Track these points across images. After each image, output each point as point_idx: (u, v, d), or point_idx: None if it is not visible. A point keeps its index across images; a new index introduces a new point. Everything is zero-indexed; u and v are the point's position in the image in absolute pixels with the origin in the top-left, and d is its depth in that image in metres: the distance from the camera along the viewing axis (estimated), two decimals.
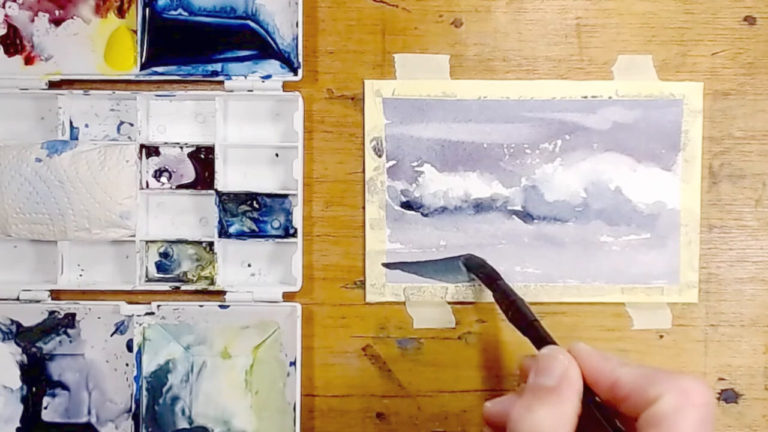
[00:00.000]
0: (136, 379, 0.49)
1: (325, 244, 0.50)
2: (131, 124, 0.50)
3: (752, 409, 0.50)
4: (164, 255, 0.50)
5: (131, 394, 0.49)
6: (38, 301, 0.49)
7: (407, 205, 0.50)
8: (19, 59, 0.49)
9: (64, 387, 0.50)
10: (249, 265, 0.50)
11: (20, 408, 0.50)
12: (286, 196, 0.50)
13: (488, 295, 0.48)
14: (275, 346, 0.49)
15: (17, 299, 0.49)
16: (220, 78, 0.49)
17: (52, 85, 0.49)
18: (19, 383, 0.50)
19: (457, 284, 0.50)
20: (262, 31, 0.49)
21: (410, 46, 0.50)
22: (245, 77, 0.49)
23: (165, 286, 0.49)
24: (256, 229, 0.50)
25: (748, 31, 0.50)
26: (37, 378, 0.50)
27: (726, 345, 0.50)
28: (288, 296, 0.49)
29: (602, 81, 0.50)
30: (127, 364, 0.49)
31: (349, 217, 0.50)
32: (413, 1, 0.50)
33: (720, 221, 0.50)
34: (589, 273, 0.50)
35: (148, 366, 0.49)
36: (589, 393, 0.35)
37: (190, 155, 0.50)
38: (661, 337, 0.50)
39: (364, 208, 0.50)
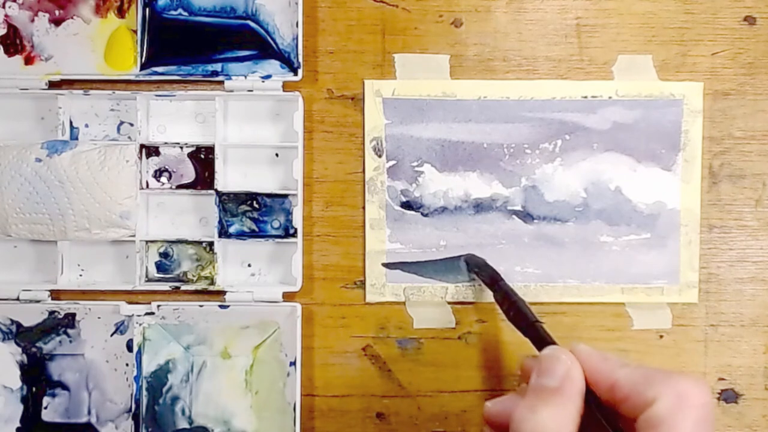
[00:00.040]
0: (136, 379, 0.49)
1: (325, 244, 0.50)
2: (131, 124, 0.50)
3: (752, 409, 0.50)
4: (164, 255, 0.50)
5: (131, 394, 0.49)
6: (38, 301, 0.49)
7: (407, 205, 0.50)
8: (19, 59, 0.49)
9: (64, 387, 0.50)
10: (249, 265, 0.50)
11: (20, 408, 0.50)
12: (286, 196, 0.50)
13: (488, 295, 0.48)
14: (275, 346, 0.49)
15: (17, 299, 0.49)
16: (220, 78, 0.49)
17: (52, 85, 0.49)
18: (19, 383, 0.50)
19: (457, 284, 0.50)
20: (262, 31, 0.49)
21: (410, 46, 0.50)
22: (245, 77, 0.49)
23: (165, 286, 0.49)
24: (256, 229, 0.50)
25: (748, 31, 0.50)
26: (37, 378, 0.50)
27: (726, 345, 0.50)
28: (288, 296, 0.49)
29: (602, 81, 0.50)
30: (127, 364, 0.49)
31: (349, 217, 0.50)
32: (413, 1, 0.50)
33: (720, 221, 0.50)
34: (589, 273, 0.50)
35: (148, 366, 0.49)
36: (590, 394, 0.35)
37: (190, 155, 0.50)
38: (661, 337, 0.50)
39: (364, 208, 0.50)
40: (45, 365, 0.50)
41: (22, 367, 0.50)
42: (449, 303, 0.50)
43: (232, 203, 0.50)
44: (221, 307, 0.49)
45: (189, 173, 0.50)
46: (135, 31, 0.49)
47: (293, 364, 0.48)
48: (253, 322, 0.49)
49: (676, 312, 0.50)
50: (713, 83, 0.50)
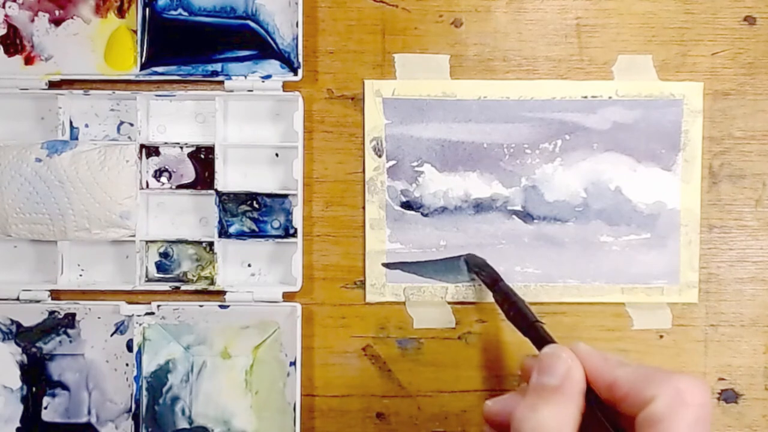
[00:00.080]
0: (136, 379, 0.49)
1: (325, 244, 0.50)
2: (131, 124, 0.50)
3: (752, 409, 0.50)
4: (164, 255, 0.50)
5: (131, 394, 0.49)
6: (38, 301, 0.49)
7: (407, 205, 0.50)
8: (19, 59, 0.49)
9: (64, 387, 0.50)
10: (249, 265, 0.50)
11: (20, 408, 0.50)
12: (286, 196, 0.50)
13: (488, 295, 0.48)
14: (275, 346, 0.49)
15: (17, 299, 0.49)
16: (220, 78, 0.49)
17: (52, 85, 0.49)
18: (19, 383, 0.50)
19: (457, 284, 0.50)
20: (262, 31, 0.49)
21: (410, 46, 0.50)
22: (245, 77, 0.49)
23: (165, 286, 0.49)
24: (256, 229, 0.50)
25: (748, 31, 0.50)
26: (37, 378, 0.50)
27: (726, 345, 0.50)
28: (288, 296, 0.49)
29: (602, 81, 0.50)
30: (127, 364, 0.49)
31: (349, 217, 0.50)
32: (413, 1, 0.50)
33: (720, 221, 0.50)
34: (589, 273, 0.50)
35: (148, 366, 0.49)
36: (590, 392, 0.35)
37: (190, 155, 0.50)
38: (661, 337, 0.50)
39: (364, 208, 0.50)
40: (45, 365, 0.50)
41: (22, 367, 0.50)
42: (449, 303, 0.50)
43: (232, 203, 0.50)
44: (221, 307, 0.49)
45: (189, 173, 0.50)
46: (135, 31, 0.49)
47: (293, 364, 0.48)
48: (253, 322, 0.49)
49: (676, 312, 0.50)
50: (713, 83, 0.50)
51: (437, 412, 0.50)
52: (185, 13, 0.49)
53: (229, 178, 0.50)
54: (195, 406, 0.49)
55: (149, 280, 0.50)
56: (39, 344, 0.50)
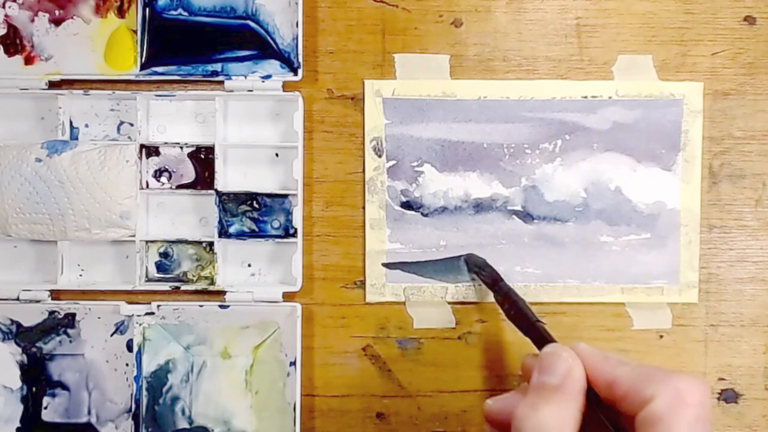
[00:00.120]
0: (136, 379, 0.49)
1: (325, 244, 0.50)
2: (131, 124, 0.50)
3: (752, 409, 0.50)
4: (164, 255, 0.50)
5: (131, 394, 0.49)
6: (38, 301, 0.49)
7: (407, 205, 0.50)
8: (19, 59, 0.49)
9: (64, 387, 0.50)
10: (249, 265, 0.50)
11: (20, 408, 0.50)
12: (286, 196, 0.50)
13: (488, 295, 0.48)
14: (275, 346, 0.49)
15: (17, 299, 0.49)
16: (220, 78, 0.49)
17: (52, 85, 0.49)
18: (19, 383, 0.50)
19: (457, 284, 0.50)
20: (262, 31, 0.49)
21: (410, 46, 0.50)
22: (245, 77, 0.49)
23: (165, 286, 0.49)
24: (256, 229, 0.50)
25: (748, 31, 0.50)
26: (37, 378, 0.50)
27: (726, 345, 0.50)
28: (288, 296, 0.49)
29: (602, 81, 0.50)
30: (127, 364, 0.49)
31: (349, 217, 0.50)
32: (413, 1, 0.50)
33: (720, 221, 0.50)
34: (589, 273, 0.50)
35: (148, 366, 0.49)
36: (591, 392, 0.35)
37: (190, 155, 0.50)
38: (661, 337, 0.50)
39: (364, 208, 0.50)
40: (45, 365, 0.50)
41: (22, 367, 0.50)
42: (449, 303, 0.50)
43: (232, 203, 0.50)
44: (221, 307, 0.49)
45: (189, 173, 0.50)
46: (135, 31, 0.49)
47: (293, 364, 0.48)
48: (253, 322, 0.49)
49: (676, 312, 0.50)
50: (713, 83, 0.50)
51: (437, 412, 0.50)
52: (185, 13, 0.50)
53: (229, 178, 0.50)
54: (195, 406, 0.49)
55: (149, 280, 0.50)
56: (39, 344, 0.50)
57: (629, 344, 0.50)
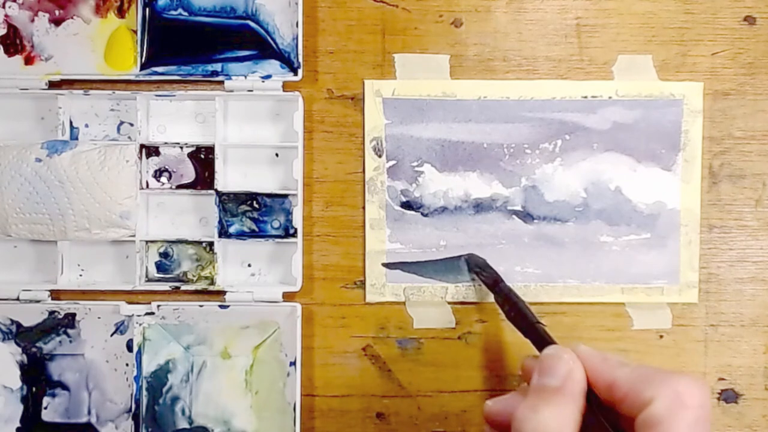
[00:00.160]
0: (136, 379, 0.49)
1: (325, 244, 0.50)
2: (131, 124, 0.50)
3: (752, 409, 0.50)
4: (164, 255, 0.50)
5: (131, 394, 0.49)
6: (38, 301, 0.49)
7: (407, 205, 0.50)
8: (19, 59, 0.49)
9: (64, 387, 0.50)
10: (249, 265, 0.50)
11: (20, 408, 0.50)
12: (286, 196, 0.50)
13: (488, 295, 0.48)
14: (275, 346, 0.49)
15: (17, 299, 0.49)
16: (220, 78, 0.49)
17: (52, 85, 0.49)
18: (19, 383, 0.50)
19: (457, 284, 0.50)
20: (262, 31, 0.49)
21: (410, 46, 0.50)
22: (245, 77, 0.49)
23: (165, 286, 0.49)
24: (256, 229, 0.50)
25: (748, 31, 0.50)
26: (37, 378, 0.50)
27: (726, 345, 0.50)
28: (288, 296, 0.49)
29: (602, 81, 0.50)
30: (127, 364, 0.49)
31: (349, 217, 0.50)
32: (413, 1, 0.50)
33: (720, 221, 0.50)
34: (589, 273, 0.50)
35: (148, 366, 0.49)
36: (591, 393, 0.35)
37: (190, 155, 0.50)
38: (661, 337, 0.50)
39: (364, 208, 0.50)
40: (45, 365, 0.50)
41: (22, 367, 0.50)
42: (449, 303, 0.50)
43: (232, 203, 0.50)
44: (221, 307, 0.49)
45: (189, 173, 0.50)
46: (135, 31, 0.49)
47: (293, 364, 0.48)
48: (253, 322, 0.49)
49: (676, 312, 0.50)
50: (713, 83, 0.50)
51: (437, 412, 0.50)
52: (185, 13, 0.49)
53: (229, 178, 0.50)
54: (195, 406, 0.49)
55: (149, 280, 0.50)
56: (39, 344, 0.50)
57: (629, 344, 0.50)
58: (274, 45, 0.49)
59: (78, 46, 0.49)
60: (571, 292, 0.50)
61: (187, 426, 0.49)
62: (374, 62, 0.50)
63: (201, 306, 0.49)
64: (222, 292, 0.49)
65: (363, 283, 0.50)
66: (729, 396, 0.50)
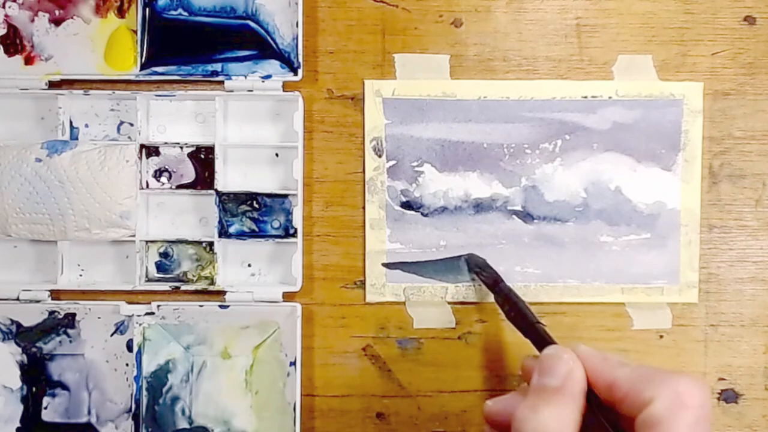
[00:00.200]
0: (136, 379, 0.49)
1: (325, 244, 0.50)
2: (131, 124, 0.50)
3: (752, 409, 0.50)
4: (164, 255, 0.50)
5: (131, 394, 0.49)
6: (38, 301, 0.49)
7: (407, 205, 0.50)
8: (19, 59, 0.49)
9: (64, 387, 0.50)
10: (249, 265, 0.50)
11: (20, 408, 0.50)
12: (286, 196, 0.50)
13: (488, 295, 0.48)
14: (275, 346, 0.49)
15: (17, 299, 0.49)
16: (220, 78, 0.49)
17: (52, 85, 0.49)
18: (19, 383, 0.50)
19: (457, 284, 0.50)
20: (262, 31, 0.49)
21: (410, 46, 0.50)
22: (245, 77, 0.49)
23: (165, 286, 0.49)
24: (256, 229, 0.50)
25: (748, 31, 0.50)
26: (37, 378, 0.50)
27: (726, 345, 0.50)
28: (288, 296, 0.49)
29: (602, 81, 0.50)
30: (127, 364, 0.49)
31: (349, 217, 0.50)
32: (413, 1, 0.50)
33: (720, 221, 0.50)
34: (589, 273, 0.50)
35: (148, 366, 0.49)
36: (591, 393, 0.35)
37: (190, 155, 0.50)
38: (661, 337, 0.50)
39: (364, 208, 0.50)
40: (45, 365, 0.50)
41: (22, 367, 0.50)
42: (449, 303, 0.50)
43: (232, 203, 0.50)
44: (221, 307, 0.49)
45: (189, 173, 0.50)
46: (135, 31, 0.49)
47: (293, 364, 0.48)
48: (253, 322, 0.49)
49: (676, 312, 0.50)
50: (713, 83, 0.50)
51: (437, 412, 0.50)
52: (185, 13, 0.49)
53: (229, 178, 0.50)
54: (195, 406, 0.49)
55: (149, 280, 0.50)
56: (39, 344, 0.50)
57: (629, 344, 0.50)
58: (274, 45, 0.49)
59: (78, 46, 0.49)
60: (571, 292, 0.50)
61: (187, 426, 0.49)
62: (374, 62, 0.50)
63: (201, 306, 0.49)
64: (222, 292, 0.49)
65: (363, 283, 0.50)
66: (729, 396, 0.50)
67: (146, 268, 0.50)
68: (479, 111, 0.50)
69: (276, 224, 0.50)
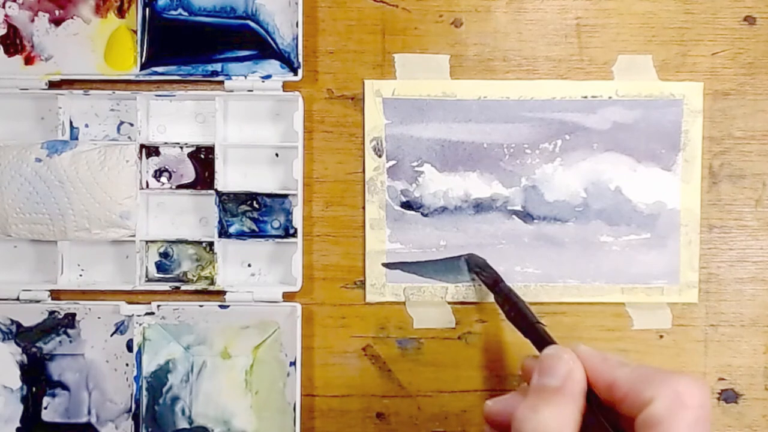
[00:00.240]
0: (136, 379, 0.49)
1: (325, 244, 0.50)
2: (131, 124, 0.50)
3: (752, 409, 0.50)
4: (164, 255, 0.50)
5: (131, 394, 0.49)
6: (38, 301, 0.49)
7: (407, 205, 0.50)
8: (19, 59, 0.49)
9: (64, 387, 0.50)
10: (249, 265, 0.50)
11: (20, 408, 0.50)
12: (286, 196, 0.50)
13: (488, 295, 0.48)
14: (275, 346, 0.49)
15: (17, 299, 0.49)
16: (220, 78, 0.49)
17: (52, 85, 0.49)
18: (19, 383, 0.50)
19: (457, 284, 0.50)
20: (262, 31, 0.49)
21: (410, 46, 0.50)
22: (245, 77, 0.49)
23: (165, 286, 0.49)
24: (256, 229, 0.50)
25: (748, 31, 0.50)
26: (37, 378, 0.50)
27: (726, 345, 0.50)
28: (288, 296, 0.49)
29: (602, 81, 0.50)
30: (127, 364, 0.49)
31: (349, 217, 0.50)
32: (413, 1, 0.50)
33: (720, 221, 0.50)
34: (589, 273, 0.50)
35: (148, 366, 0.49)
36: (591, 394, 0.35)
37: (190, 155, 0.50)
38: (661, 337, 0.50)
39: (364, 208, 0.50)
40: (45, 365, 0.50)
41: (22, 367, 0.50)
42: (449, 303, 0.50)
43: (232, 203, 0.50)
44: (221, 307, 0.49)
45: (189, 173, 0.50)
46: (135, 31, 0.49)
47: (293, 364, 0.48)
48: (253, 322, 0.49)
49: (676, 312, 0.50)
50: (713, 83, 0.50)
51: (437, 412, 0.50)
52: (185, 13, 0.49)
53: (229, 178, 0.50)
54: (195, 406, 0.49)
55: (149, 280, 0.50)
56: (39, 344, 0.50)
57: (629, 344, 0.50)
58: (274, 45, 0.49)
59: (78, 46, 0.49)
60: (571, 292, 0.50)
61: (187, 426, 0.49)
62: (374, 62, 0.50)
63: (201, 306, 0.49)
64: (222, 292, 0.49)
65: (363, 283, 0.50)
66: (729, 396, 0.50)
67: (146, 268, 0.50)
68: (479, 111, 0.50)
69: (276, 224, 0.50)
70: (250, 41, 0.49)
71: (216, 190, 0.49)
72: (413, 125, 0.50)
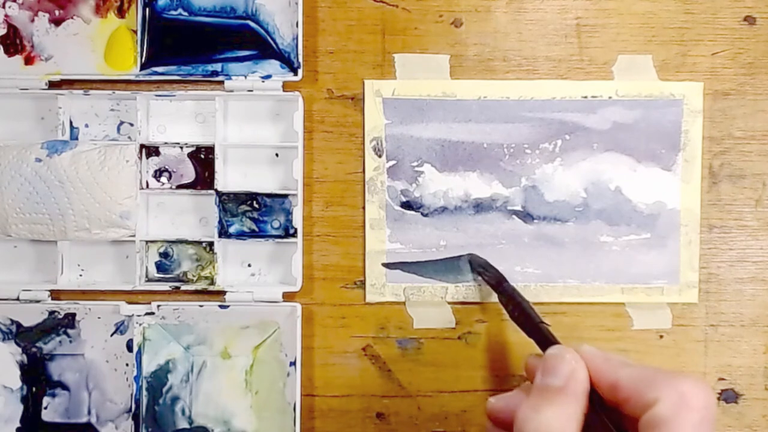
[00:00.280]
0: (136, 379, 0.49)
1: (325, 244, 0.50)
2: (131, 124, 0.50)
3: (752, 409, 0.50)
4: (164, 255, 0.50)
5: (131, 394, 0.49)
6: (38, 301, 0.49)
7: (407, 205, 0.50)
8: (19, 59, 0.49)
9: (64, 387, 0.50)
10: (249, 265, 0.50)
11: (20, 408, 0.50)
12: (286, 196, 0.50)
13: (489, 295, 0.48)
14: (275, 346, 0.49)
15: (17, 299, 0.49)
16: (220, 78, 0.49)
17: (52, 85, 0.49)
18: (19, 383, 0.50)
19: (457, 284, 0.50)
20: (262, 31, 0.49)
21: (410, 46, 0.50)
22: (245, 77, 0.49)
23: (165, 286, 0.49)
24: (256, 229, 0.50)
25: (748, 31, 0.50)
26: (37, 378, 0.50)
27: (726, 345, 0.50)
28: (288, 296, 0.49)
29: (602, 81, 0.50)
30: (127, 364, 0.49)
31: (349, 217, 0.50)
32: (413, 1, 0.50)
33: (720, 221, 0.50)
34: (589, 273, 0.50)
35: (148, 366, 0.49)
36: (594, 394, 0.35)
37: (190, 155, 0.50)
38: (661, 337, 0.50)
39: (364, 208, 0.50)
40: (45, 365, 0.50)
41: (22, 367, 0.50)
42: (449, 303, 0.50)
43: (232, 203, 0.50)
44: (221, 307, 0.49)
45: (189, 173, 0.50)
46: (135, 31, 0.49)
47: (293, 364, 0.48)
48: (253, 322, 0.49)
49: (676, 312, 0.50)
50: (713, 83, 0.50)
51: (437, 412, 0.50)
52: (185, 13, 0.49)
53: (229, 178, 0.50)
54: (195, 406, 0.49)
55: (149, 280, 0.50)
56: (39, 344, 0.50)
57: (629, 344, 0.50)
58: (274, 45, 0.49)
59: (78, 46, 0.49)
60: (571, 292, 0.50)
61: (187, 426, 0.49)
62: (374, 62, 0.50)
63: (201, 306, 0.49)
64: (222, 292, 0.49)
65: (363, 283, 0.50)
66: (729, 396, 0.50)
67: (146, 268, 0.50)
68: (479, 111, 0.50)
69: (276, 224, 0.50)
70: (250, 41, 0.49)
71: (216, 190, 0.49)
72: (413, 125, 0.50)
